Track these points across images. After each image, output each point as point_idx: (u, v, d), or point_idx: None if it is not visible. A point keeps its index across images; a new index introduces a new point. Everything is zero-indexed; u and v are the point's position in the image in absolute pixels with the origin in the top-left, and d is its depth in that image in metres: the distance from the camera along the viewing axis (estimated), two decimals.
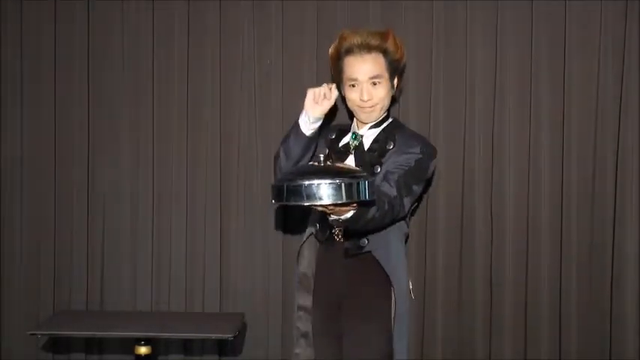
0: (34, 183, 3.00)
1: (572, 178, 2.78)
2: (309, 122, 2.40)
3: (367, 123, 2.47)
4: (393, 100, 2.52)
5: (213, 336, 2.49)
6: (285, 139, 2.45)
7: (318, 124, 2.43)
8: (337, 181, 1.91)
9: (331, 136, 2.56)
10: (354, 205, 2.05)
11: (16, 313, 3.00)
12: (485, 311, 2.82)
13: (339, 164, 2.25)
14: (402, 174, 2.33)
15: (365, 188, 1.95)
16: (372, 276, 2.36)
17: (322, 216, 2.34)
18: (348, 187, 1.92)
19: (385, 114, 2.48)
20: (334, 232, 2.40)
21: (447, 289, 2.83)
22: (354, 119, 2.52)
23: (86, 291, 2.99)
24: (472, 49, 2.81)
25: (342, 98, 2.48)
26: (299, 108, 2.43)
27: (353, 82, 2.40)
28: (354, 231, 2.31)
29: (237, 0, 2.90)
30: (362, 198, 1.94)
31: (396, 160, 2.38)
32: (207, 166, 2.93)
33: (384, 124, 2.49)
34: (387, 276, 2.33)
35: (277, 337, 2.89)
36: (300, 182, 1.91)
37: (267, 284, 2.90)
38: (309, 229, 2.51)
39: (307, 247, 2.50)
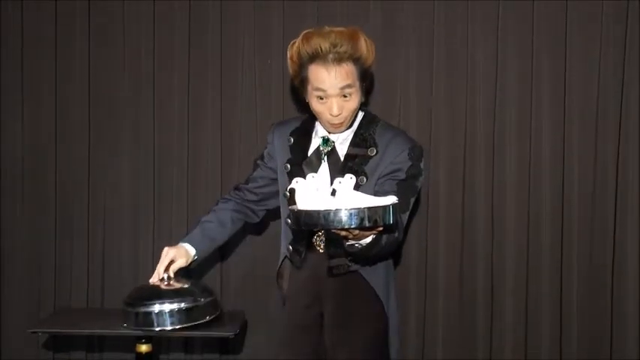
0: (34, 182, 2.98)
1: (574, 178, 2.78)
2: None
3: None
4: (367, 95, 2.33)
5: (214, 334, 2.46)
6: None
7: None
8: (362, 207, 1.80)
9: (289, 142, 2.28)
10: (378, 229, 1.89)
11: (16, 311, 3.00)
12: (486, 314, 2.83)
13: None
14: (396, 189, 2.13)
15: (390, 211, 1.82)
16: (359, 294, 2.22)
17: (296, 237, 2.23)
18: (375, 210, 1.80)
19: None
20: (315, 244, 2.25)
21: (448, 294, 2.83)
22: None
23: (87, 289, 2.97)
24: (473, 49, 2.80)
25: (302, 100, 2.26)
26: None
27: (321, 94, 2.12)
28: (361, 259, 2.15)
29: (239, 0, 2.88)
30: (387, 222, 1.82)
31: (384, 172, 2.17)
32: (208, 166, 2.92)
33: (355, 123, 2.24)
34: (377, 295, 2.22)
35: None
36: (325, 209, 1.80)
37: (268, 282, 2.85)
38: (282, 253, 2.34)
39: (285, 268, 2.36)
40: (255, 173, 2.43)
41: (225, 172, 2.91)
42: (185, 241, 2.36)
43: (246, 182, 2.45)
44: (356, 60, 2.12)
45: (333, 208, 1.78)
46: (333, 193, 1.95)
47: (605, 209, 2.77)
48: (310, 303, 2.28)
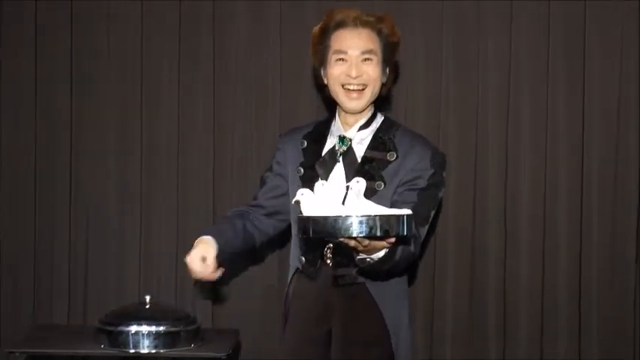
0: (13, 189, 2.89)
1: (593, 187, 2.72)
2: None
3: (354, 114, 2.17)
4: (382, 100, 2.31)
5: (205, 355, 2.35)
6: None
7: None
8: (372, 214, 1.76)
9: (302, 145, 2.25)
10: (390, 241, 1.83)
11: None
12: (499, 323, 2.75)
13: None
14: (417, 200, 2.06)
15: (404, 222, 1.76)
16: (367, 313, 2.14)
17: (308, 247, 2.17)
18: (387, 219, 1.75)
19: (372, 110, 2.21)
20: (325, 256, 2.16)
21: (457, 306, 2.76)
22: (336, 118, 2.23)
23: (68, 303, 2.89)
24: (484, 50, 2.74)
25: (318, 87, 2.23)
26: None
27: (341, 56, 2.13)
28: (372, 275, 2.08)
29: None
30: (400, 233, 1.77)
31: (404, 180, 2.10)
32: (199, 173, 2.84)
33: (374, 124, 2.21)
34: (382, 315, 2.12)
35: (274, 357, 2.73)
36: (334, 215, 1.77)
37: (264, 299, 2.80)
38: (293, 266, 2.26)
39: (292, 283, 2.28)
40: (263, 188, 2.35)
41: (217, 179, 2.84)
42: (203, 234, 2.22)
43: (254, 198, 2.37)
44: (379, 31, 2.16)
45: (343, 215, 1.75)
46: (347, 190, 1.93)
47: (627, 221, 2.70)
48: (319, 318, 2.19)
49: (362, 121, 2.19)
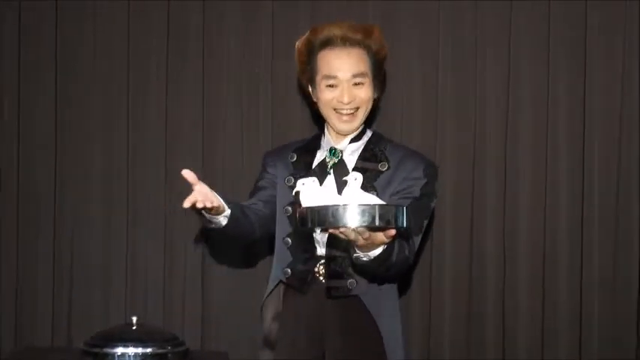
0: None
1: (594, 199, 2.67)
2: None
3: (346, 135, 2.17)
4: (371, 113, 2.29)
5: None
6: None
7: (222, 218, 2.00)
8: (372, 203, 1.75)
9: (292, 158, 2.23)
10: (390, 234, 1.80)
11: None
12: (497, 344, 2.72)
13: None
14: (409, 208, 2.02)
15: (404, 213, 1.75)
16: (359, 324, 2.10)
17: (296, 257, 2.13)
18: (388, 209, 1.74)
19: (363, 125, 2.20)
20: (318, 272, 2.11)
21: (455, 328, 2.72)
22: (325, 132, 2.22)
23: (52, 323, 2.84)
24: (482, 57, 2.71)
25: (309, 104, 2.24)
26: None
27: (331, 82, 2.10)
28: (366, 274, 2.05)
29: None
30: (400, 224, 1.74)
31: (397, 190, 2.10)
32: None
33: (365, 137, 2.20)
34: (376, 325, 2.09)
35: None
36: (334, 204, 1.75)
37: (253, 321, 2.67)
38: (275, 277, 2.20)
39: (271, 299, 2.22)
40: (259, 192, 2.26)
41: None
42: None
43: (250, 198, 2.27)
44: (368, 48, 2.13)
45: (342, 204, 1.73)
46: (343, 185, 1.90)
47: (630, 215, 2.67)
48: (312, 338, 2.13)
49: (353, 134, 2.19)
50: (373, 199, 1.84)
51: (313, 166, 2.19)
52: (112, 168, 2.82)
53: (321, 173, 2.12)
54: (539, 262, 2.70)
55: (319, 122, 2.33)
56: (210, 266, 2.80)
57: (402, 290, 2.59)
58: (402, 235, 1.91)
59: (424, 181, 2.11)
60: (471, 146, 2.72)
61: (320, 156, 2.20)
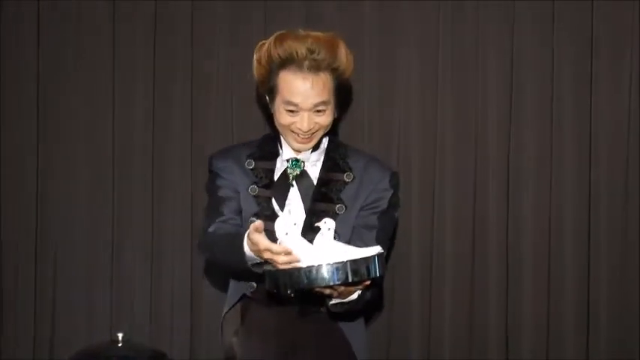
0: None
1: (601, 200, 2.65)
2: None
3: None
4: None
5: None
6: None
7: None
8: (345, 260, 1.78)
9: (249, 165, 2.18)
10: (366, 284, 1.87)
11: None
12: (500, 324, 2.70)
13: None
14: (378, 224, 2.11)
15: (376, 263, 1.80)
16: (331, 336, 2.11)
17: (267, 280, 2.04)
18: (360, 263, 1.78)
19: None
20: (289, 296, 2.02)
21: (455, 328, 2.69)
22: (282, 140, 2.18)
23: (34, 336, 2.80)
24: (484, 57, 2.68)
25: (263, 107, 2.23)
26: None
27: (291, 108, 2.04)
28: (344, 316, 2.07)
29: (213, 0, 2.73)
30: (373, 275, 1.80)
31: (366, 203, 2.12)
32: (174, 204, 2.76)
33: (322, 145, 2.19)
34: (342, 333, 2.12)
35: None
36: (306, 266, 1.78)
37: None
38: (238, 291, 2.18)
39: (231, 314, 2.20)
40: (225, 203, 2.17)
41: (195, 206, 2.72)
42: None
43: (219, 216, 2.17)
44: (334, 70, 2.05)
45: (315, 264, 1.76)
46: (312, 228, 1.92)
47: (637, 216, 2.65)
48: (280, 353, 2.07)
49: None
50: (344, 250, 1.82)
51: (275, 175, 2.16)
52: (98, 180, 2.78)
53: (284, 185, 2.13)
54: (544, 262, 2.68)
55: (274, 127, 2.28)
56: (199, 279, 2.76)
57: (402, 290, 2.67)
58: (378, 281, 1.93)
59: (391, 192, 2.14)
60: (473, 147, 2.69)
61: (280, 166, 2.17)
